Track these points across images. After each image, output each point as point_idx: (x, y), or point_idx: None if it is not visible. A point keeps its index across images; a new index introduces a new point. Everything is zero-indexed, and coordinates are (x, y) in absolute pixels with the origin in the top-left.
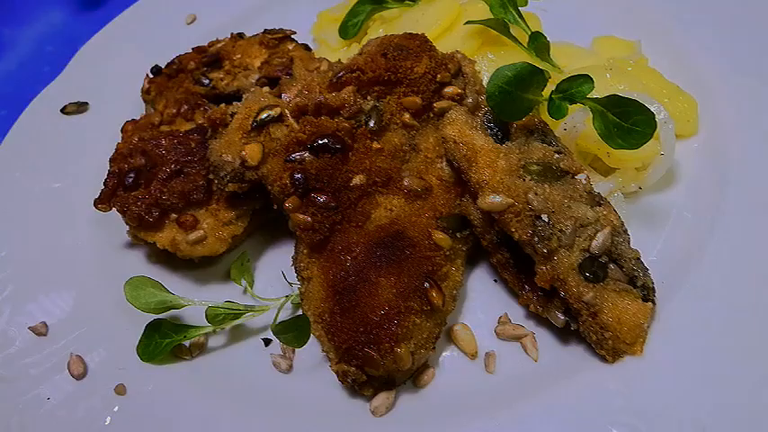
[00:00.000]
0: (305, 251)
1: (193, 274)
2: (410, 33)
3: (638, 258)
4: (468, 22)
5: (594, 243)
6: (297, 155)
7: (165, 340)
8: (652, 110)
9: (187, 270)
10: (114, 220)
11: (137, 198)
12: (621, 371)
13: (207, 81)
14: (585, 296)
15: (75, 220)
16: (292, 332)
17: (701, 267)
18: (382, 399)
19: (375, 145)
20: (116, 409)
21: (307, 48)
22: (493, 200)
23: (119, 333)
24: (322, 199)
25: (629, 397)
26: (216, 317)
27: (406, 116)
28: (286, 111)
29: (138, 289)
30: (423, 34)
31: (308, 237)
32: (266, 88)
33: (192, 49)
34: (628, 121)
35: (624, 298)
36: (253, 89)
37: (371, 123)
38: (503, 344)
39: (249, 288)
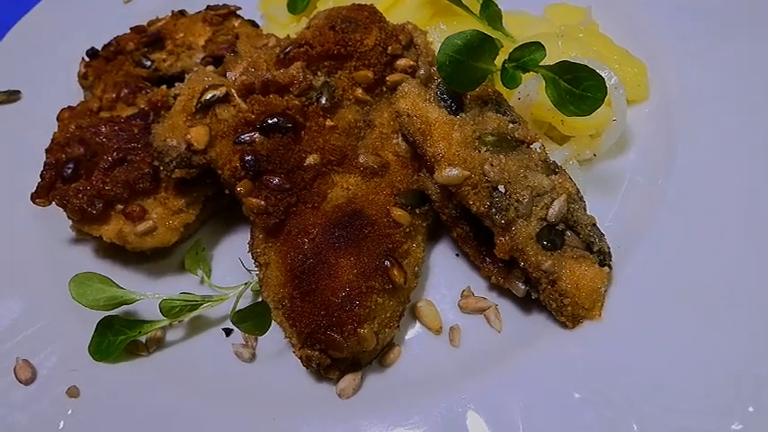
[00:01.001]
0: (261, 236)
1: (146, 267)
2: (359, 5)
3: (594, 224)
4: None
5: (551, 211)
6: (246, 136)
7: (118, 337)
8: (602, 75)
9: (139, 263)
10: (57, 214)
11: (77, 190)
12: (582, 336)
13: (148, 63)
14: (544, 265)
15: (14, 217)
16: (252, 320)
17: (655, 231)
18: (348, 381)
19: (328, 122)
20: (70, 412)
21: (254, 24)
22: (449, 173)
23: (69, 333)
24: (275, 181)
25: (590, 361)
26: (171, 309)
27: (359, 91)
28: (232, 90)
29: (85, 286)
30: (371, 5)
31: (263, 221)
32: (210, 67)
33: (131, 29)
34: (579, 87)
35: (581, 264)
36: (196, 68)
37: (323, 100)
38: (467, 317)
39: (206, 278)
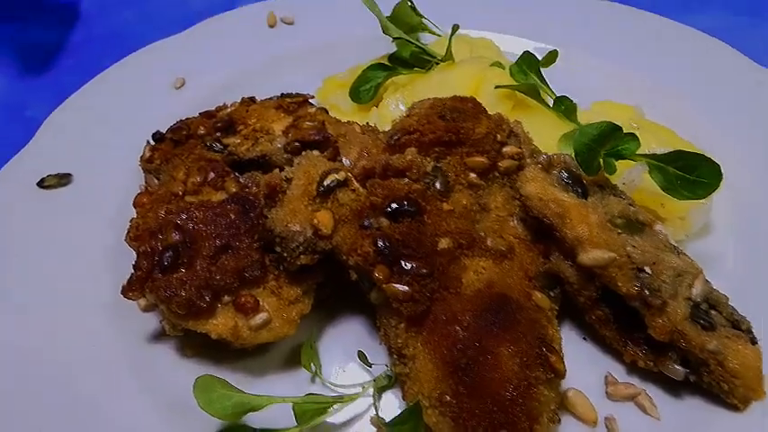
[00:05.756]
0: (401, 326)
1: (243, 365)
2: (460, 96)
3: (729, 302)
4: (499, 87)
5: (695, 291)
6: (371, 221)
7: None
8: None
9: (235, 362)
10: (126, 310)
11: (181, 280)
12: (753, 417)
13: (221, 147)
14: (709, 345)
15: (86, 320)
16: (409, 423)
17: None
18: None
19: (446, 206)
20: None
21: (325, 111)
22: (595, 255)
23: None
24: (414, 266)
25: None
26: (304, 414)
27: (472, 176)
28: (350, 175)
29: (210, 392)
30: (473, 97)
31: (409, 309)
32: (316, 152)
33: (200, 113)
34: (693, 174)
35: (737, 343)
36: (304, 153)
37: (438, 185)
38: (616, 405)
39: (319, 374)
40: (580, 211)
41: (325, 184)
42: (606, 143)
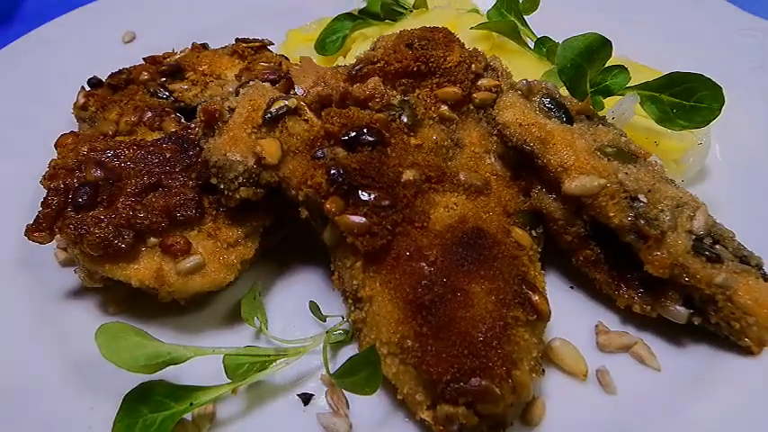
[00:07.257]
0: (357, 265)
1: (176, 321)
2: (431, 26)
3: (735, 238)
4: (475, 27)
5: (696, 223)
6: (323, 151)
7: (159, 415)
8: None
9: (166, 317)
10: (40, 263)
11: (97, 218)
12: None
13: (166, 93)
14: (717, 278)
15: None
16: (363, 373)
17: None
18: None
19: (413, 140)
20: None
21: (285, 58)
22: (582, 182)
23: (76, 415)
24: (373, 196)
25: None
26: (237, 368)
27: (444, 109)
28: (303, 103)
29: (118, 339)
30: (445, 27)
31: (367, 243)
32: (267, 84)
33: (144, 59)
34: (691, 99)
35: (747, 278)
36: (252, 83)
37: (404, 118)
38: (609, 357)
39: (264, 329)
40: (565, 135)
41: (273, 110)
42: (594, 60)
